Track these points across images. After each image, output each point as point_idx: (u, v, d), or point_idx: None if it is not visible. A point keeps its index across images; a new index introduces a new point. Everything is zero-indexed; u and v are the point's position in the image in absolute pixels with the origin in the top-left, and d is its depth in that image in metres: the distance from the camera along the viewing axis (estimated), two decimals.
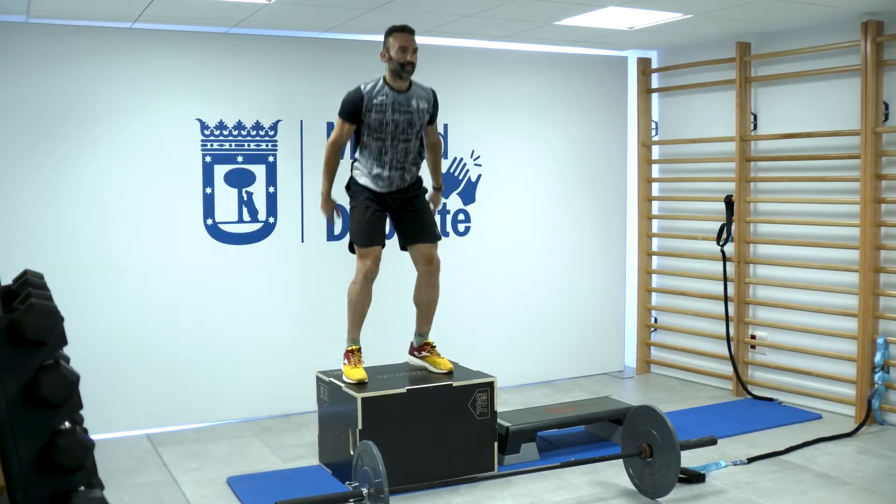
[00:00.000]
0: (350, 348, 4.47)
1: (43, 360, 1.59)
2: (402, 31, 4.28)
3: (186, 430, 5.22)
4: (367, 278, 4.34)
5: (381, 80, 4.32)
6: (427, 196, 4.58)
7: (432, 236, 4.47)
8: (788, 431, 5.08)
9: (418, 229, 4.43)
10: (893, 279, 5.15)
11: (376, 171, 4.33)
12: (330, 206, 4.48)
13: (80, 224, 5.00)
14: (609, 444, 4.79)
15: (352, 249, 4.44)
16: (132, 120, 5.10)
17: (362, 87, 4.29)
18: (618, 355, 6.75)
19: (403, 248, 4.53)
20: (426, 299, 4.55)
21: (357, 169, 4.41)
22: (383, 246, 4.41)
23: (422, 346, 4.65)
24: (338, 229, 4.72)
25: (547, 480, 4.30)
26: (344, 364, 4.44)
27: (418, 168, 4.49)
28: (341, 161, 4.51)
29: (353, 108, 4.26)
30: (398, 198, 4.40)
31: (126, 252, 5.11)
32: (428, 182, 4.63)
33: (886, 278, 5.17)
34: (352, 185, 4.44)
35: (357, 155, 4.43)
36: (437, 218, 5.90)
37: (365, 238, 4.32)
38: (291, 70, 5.52)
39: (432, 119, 4.48)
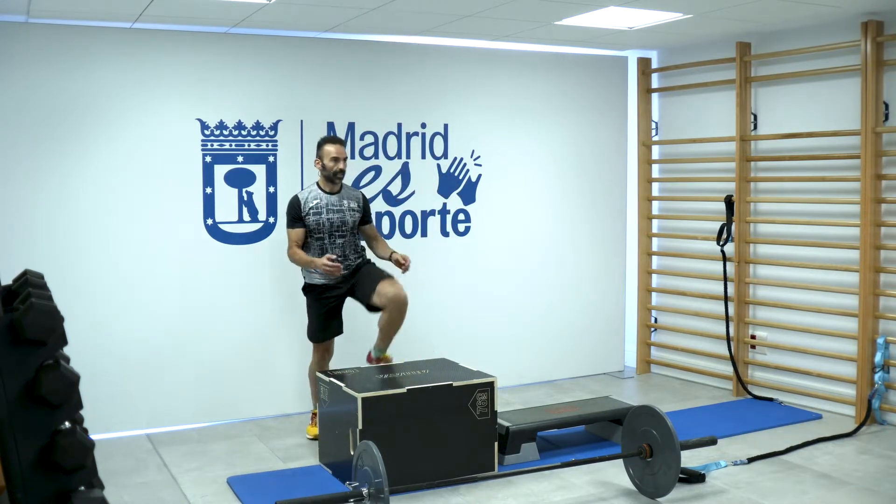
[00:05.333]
0: (314, 411, 5.02)
1: (43, 359, 1.59)
2: (333, 143, 4.87)
3: (186, 430, 5.22)
4: (323, 362, 4.99)
5: (315, 185, 4.91)
6: (392, 259, 4.94)
7: (383, 274, 4.87)
8: (788, 431, 5.08)
9: (369, 279, 4.84)
10: (893, 279, 5.15)
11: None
12: (321, 262, 4.73)
13: (80, 224, 5.00)
14: (609, 444, 4.79)
15: (309, 338, 5.01)
16: (132, 120, 5.10)
17: (298, 195, 4.89)
18: (618, 355, 6.75)
19: (371, 308, 4.86)
20: (391, 327, 4.83)
21: (305, 270, 4.93)
22: (340, 333, 4.99)
23: (378, 359, 4.94)
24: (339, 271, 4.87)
25: (547, 480, 4.30)
26: (308, 426, 5.10)
27: (359, 256, 4.97)
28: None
29: (295, 212, 4.83)
30: (346, 279, 4.89)
31: (126, 252, 5.11)
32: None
33: (886, 278, 5.17)
34: (305, 287, 4.96)
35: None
36: (437, 218, 5.94)
37: (319, 335, 4.96)
38: (291, 70, 5.52)
39: (366, 219, 5.01)
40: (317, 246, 4.85)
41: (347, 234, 4.89)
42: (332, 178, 4.84)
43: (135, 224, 5.13)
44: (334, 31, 5.51)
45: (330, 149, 4.83)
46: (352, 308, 5.02)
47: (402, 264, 4.88)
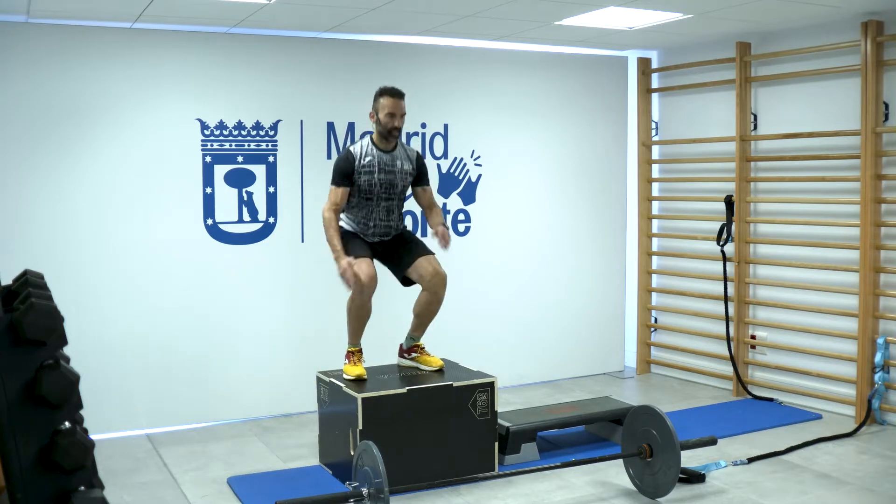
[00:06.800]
0: (351, 349, 4.56)
1: (43, 359, 1.59)
2: (391, 96, 4.34)
3: (186, 430, 5.22)
4: (365, 294, 4.33)
5: (369, 140, 4.42)
6: (432, 233, 4.51)
7: (426, 249, 4.52)
8: (788, 431, 5.08)
9: (410, 250, 4.50)
10: (893, 279, 5.15)
11: (361, 227, 4.45)
12: (347, 262, 4.17)
13: (80, 224, 5.00)
14: (609, 444, 4.79)
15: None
16: (132, 120, 5.10)
17: (352, 150, 4.38)
18: (618, 355, 6.75)
19: (405, 281, 4.56)
20: (428, 311, 4.54)
21: (343, 221, 4.47)
22: (372, 258, 4.40)
23: (412, 348, 4.70)
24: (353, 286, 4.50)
25: (547, 480, 4.30)
26: (345, 363, 4.54)
27: (402, 222, 4.60)
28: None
29: (347, 171, 4.34)
30: (383, 242, 4.51)
31: (126, 252, 5.11)
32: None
33: (886, 278, 5.17)
34: (341, 230, 4.44)
35: (344, 211, 4.46)
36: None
37: (354, 251, 4.30)
38: (291, 70, 5.52)
39: (421, 179, 4.54)
40: (364, 205, 4.40)
41: (395, 198, 4.46)
42: (386, 136, 4.36)
43: (134, 224, 5.13)
44: (334, 31, 5.51)
45: (385, 102, 4.31)
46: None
47: (445, 239, 4.40)
